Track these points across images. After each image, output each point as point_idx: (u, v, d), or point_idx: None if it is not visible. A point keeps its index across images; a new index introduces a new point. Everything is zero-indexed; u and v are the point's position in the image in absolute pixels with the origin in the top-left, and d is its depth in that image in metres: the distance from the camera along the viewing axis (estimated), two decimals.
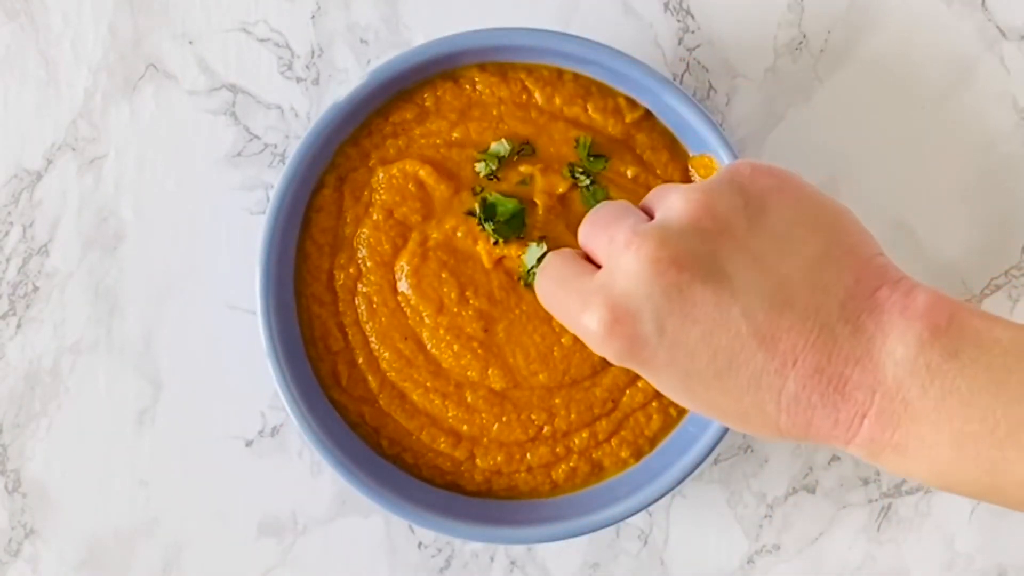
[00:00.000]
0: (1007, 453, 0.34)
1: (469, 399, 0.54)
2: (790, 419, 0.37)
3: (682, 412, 0.54)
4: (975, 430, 0.34)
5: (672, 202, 0.39)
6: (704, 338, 0.37)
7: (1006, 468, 0.34)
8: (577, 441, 0.54)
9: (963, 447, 0.34)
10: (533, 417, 0.54)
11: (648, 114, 0.54)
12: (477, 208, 0.53)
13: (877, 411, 0.36)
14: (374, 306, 0.54)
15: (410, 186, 0.53)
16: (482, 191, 0.53)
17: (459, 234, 0.53)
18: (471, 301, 0.53)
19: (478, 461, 0.54)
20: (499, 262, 0.53)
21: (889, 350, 0.36)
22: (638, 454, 0.54)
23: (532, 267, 0.52)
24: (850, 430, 0.36)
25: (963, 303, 0.37)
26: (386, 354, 0.54)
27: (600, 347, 0.39)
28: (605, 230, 0.41)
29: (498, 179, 0.53)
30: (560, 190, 0.53)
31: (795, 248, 0.38)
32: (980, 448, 0.34)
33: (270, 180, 0.57)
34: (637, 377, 0.54)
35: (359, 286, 0.54)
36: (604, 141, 0.54)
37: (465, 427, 0.54)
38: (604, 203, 0.43)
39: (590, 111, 0.54)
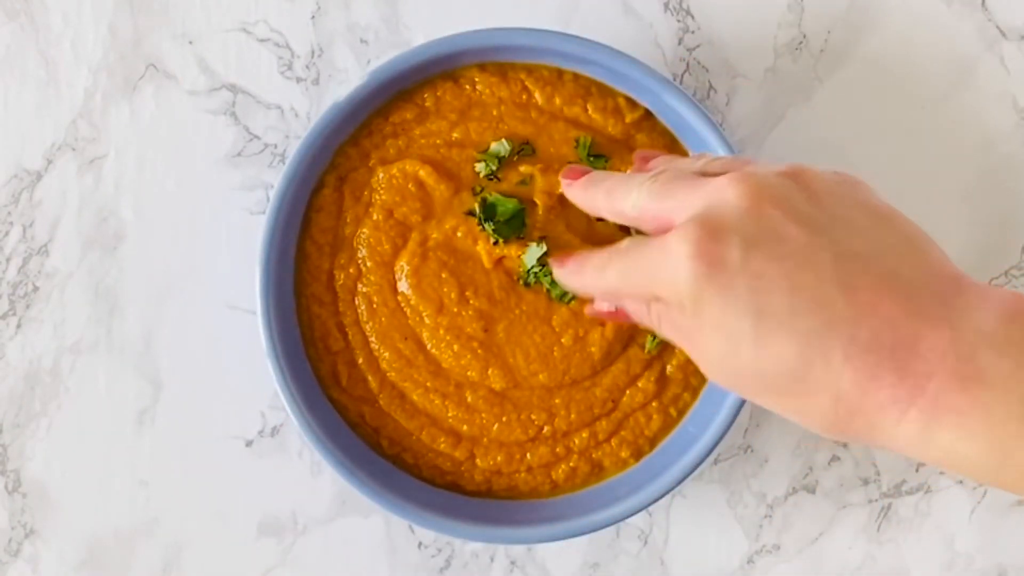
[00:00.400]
0: None
1: (469, 399, 0.54)
2: (854, 372, 0.36)
3: (682, 412, 0.54)
4: None
5: (766, 163, 0.40)
6: (787, 274, 0.36)
7: None
8: (577, 441, 0.54)
9: None
10: (533, 417, 0.54)
11: (648, 114, 0.54)
12: (477, 208, 0.53)
13: (948, 372, 0.35)
14: (374, 306, 0.54)
15: (410, 186, 0.53)
16: (482, 191, 0.53)
17: (459, 234, 0.53)
18: (471, 301, 0.53)
19: (478, 461, 0.54)
20: (499, 262, 0.53)
21: (967, 320, 0.35)
22: (638, 454, 0.54)
23: (532, 267, 0.52)
24: (915, 389, 0.35)
25: None
26: (386, 354, 0.54)
27: (679, 272, 0.38)
28: (684, 188, 0.40)
29: (498, 179, 0.53)
30: (560, 190, 0.53)
31: (886, 227, 0.38)
32: None
33: (270, 180, 0.57)
34: (637, 377, 0.54)
35: (359, 286, 0.54)
36: (604, 141, 0.54)
37: (465, 427, 0.54)
38: (657, 174, 0.43)
39: (590, 111, 0.54)
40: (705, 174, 0.41)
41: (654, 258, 0.39)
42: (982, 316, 0.36)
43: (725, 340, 0.37)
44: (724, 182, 0.39)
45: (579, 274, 0.45)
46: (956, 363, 0.35)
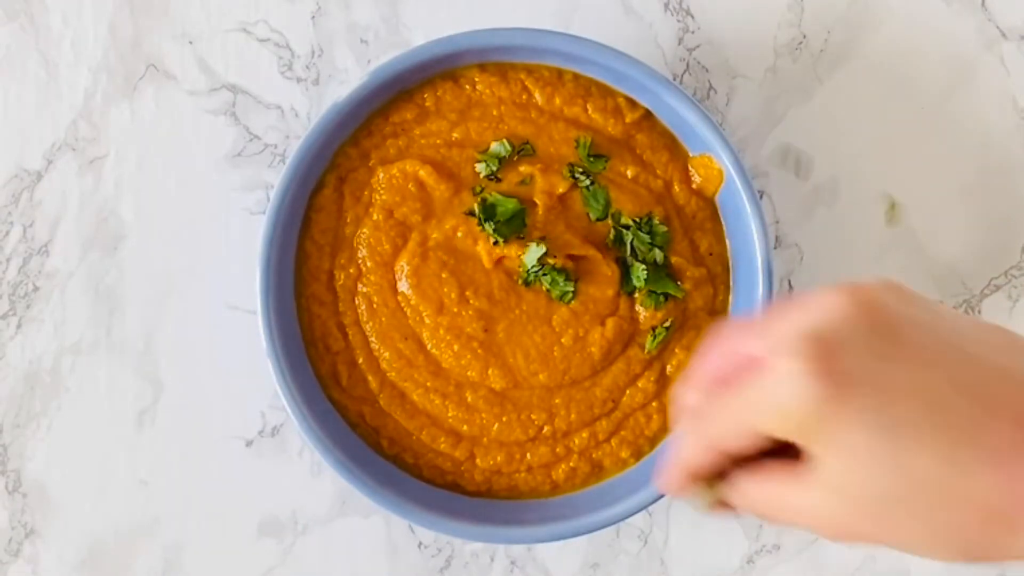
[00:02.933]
0: None
1: (469, 399, 0.54)
2: (1002, 477, 0.33)
3: None
4: None
5: (847, 283, 0.37)
6: (911, 377, 0.34)
7: None
8: (577, 441, 0.54)
9: None
10: (533, 417, 0.54)
11: (648, 114, 0.54)
12: (477, 208, 0.53)
13: None
14: (374, 306, 0.54)
15: (410, 186, 0.53)
16: (482, 191, 0.53)
17: (459, 234, 0.53)
18: (471, 301, 0.53)
19: (478, 461, 0.54)
20: (499, 262, 0.53)
21: None
22: (638, 454, 0.54)
23: (532, 267, 0.52)
24: None
25: None
26: (386, 354, 0.54)
27: (789, 394, 0.34)
28: (764, 322, 0.36)
29: (498, 179, 0.53)
30: (560, 190, 0.53)
31: (983, 331, 0.36)
32: None
33: (270, 180, 0.57)
34: (637, 377, 0.54)
35: (359, 286, 0.54)
36: (604, 141, 0.54)
37: (465, 427, 0.54)
38: (718, 328, 0.39)
39: (590, 111, 0.54)
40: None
41: (754, 395, 0.35)
42: None
43: (849, 459, 0.34)
44: (825, 295, 0.35)
45: (675, 472, 0.39)
46: None
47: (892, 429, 0.33)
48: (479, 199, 0.53)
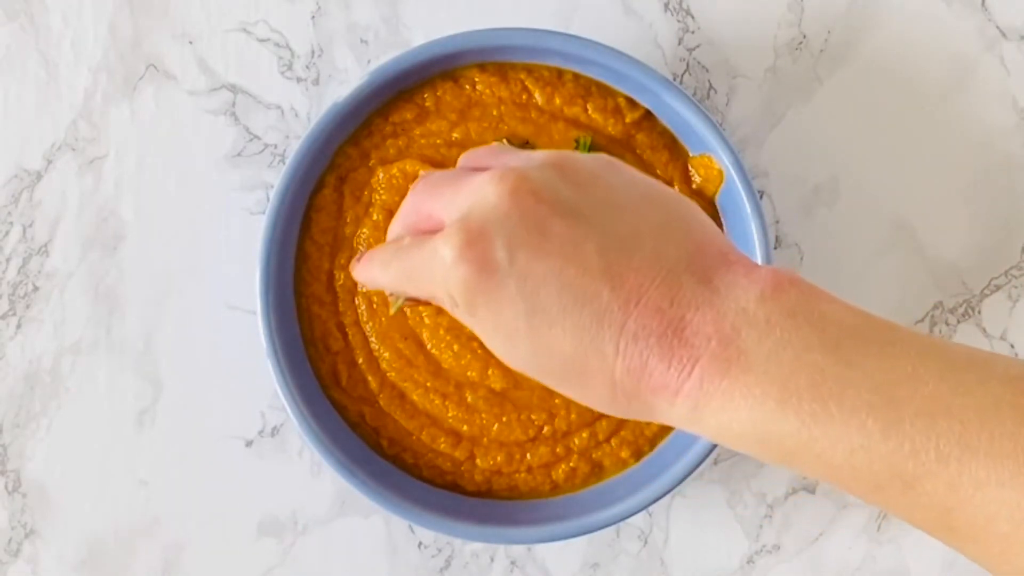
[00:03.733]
0: (829, 409, 0.35)
1: (469, 399, 0.54)
2: (626, 362, 0.37)
3: None
4: (801, 383, 0.35)
5: (533, 154, 0.40)
6: (554, 271, 0.37)
7: (826, 423, 0.35)
8: (577, 441, 0.54)
9: (787, 399, 0.35)
10: (533, 417, 0.54)
11: (648, 114, 0.54)
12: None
13: (711, 356, 0.36)
14: (374, 306, 0.54)
15: (410, 186, 0.53)
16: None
17: None
18: None
19: (478, 461, 0.54)
20: None
21: (731, 301, 0.37)
22: (638, 454, 0.54)
23: None
24: (681, 375, 0.36)
25: (810, 282, 0.38)
26: (386, 354, 0.54)
27: (449, 277, 0.38)
28: (450, 186, 0.40)
29: None
30: None
31: (650, 210, 0.39)
32: (803, 401, 0.35)
33: (270, 180, 0.57)
34: None
35: (359, 286, 0.54)
36: (604, 141, 0.54)
37: (465, 427, 0.54)
38: (432, 172, 0.43)
39: (590, 111, 0.54)
40: (475, 169, 0.41)
41: (425, 261, 0.39)
42: (744, 295, 0.36)
43: (503, 338, 0.39)
44: (484, 180, 0.39)
45: (367, 270, 0.45)
46: (719, 347, 0.36)
47: (535, 314, 0.37)
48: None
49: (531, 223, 0.37)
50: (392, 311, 0.45)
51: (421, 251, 0.40)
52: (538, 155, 0.40)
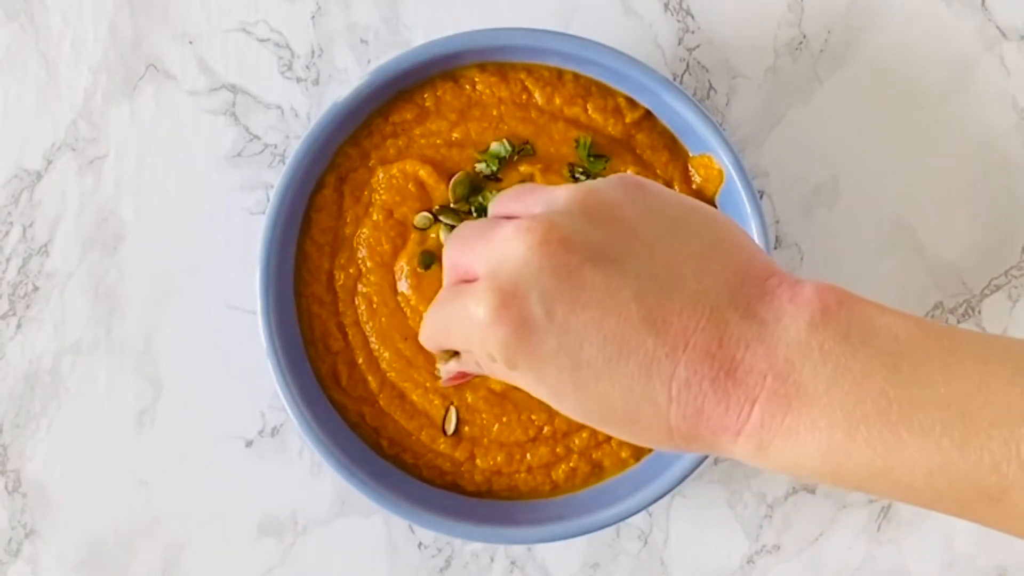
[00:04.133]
0: (900, 434, 0.33)
1: (469, 399, 0.54)
2: (680, 409, 0.36)
3: None
4: (868, 411, 0.34)
5: (556, 194, 0.39)
6: (594, 323, 0.36)
7: (899, 450, 0.34)
8: (577, 441, 0.54)
9: (855, 428, 0.34)
10: (533, 417, 0.54)
11: (648, 114, 0.54)
12: (475, 211, 0.53)
13: (768, 393, 0.35)
14: (374, 306, 0.54)
15: (410, 186, 0.53)
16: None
17: None
18: None
19: (478, 461, 0.54)
20: None
21: (780, 333, 0.35)
22: (638, 454, 0.54)
23: None
24: (740, 416, 0.35)
25: (854, 293, 0.36)
26: (386, 354, 0.54)
27: (486, 337, 0.37)
28: (480, 239, 0.39)
29: (498, 179, 0.53)
30: None
31: (683, 239, 0.37)
32: (872, 429, 0.34)
33: (270, 180, 0.57)
34: None
35: (359, 286, 0.54)
36: (604, 141, 0.54)
37: (465, 427, 0.54)
38: (464, 223, 0.41)
39: (590, 111, 0.54)
40: (505, 217, 0.40)
41: (460, 318, 0.38)
42: (793, 324, 0.35)
43: (547, 392, 0.37)
44: (512, 232, 0.37)
45: (422, 328, 0.43)
46: (775, 383, 0.35)
47: (579, 369, 0.36)
48: (477, 200, 0.53)
49: (564, 275, 0.36)
50: (442, 380, 0.44)
51: (455, 306, 0.38)
52: (562, 194, 0.38)
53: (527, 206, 0.39)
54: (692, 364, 0.35)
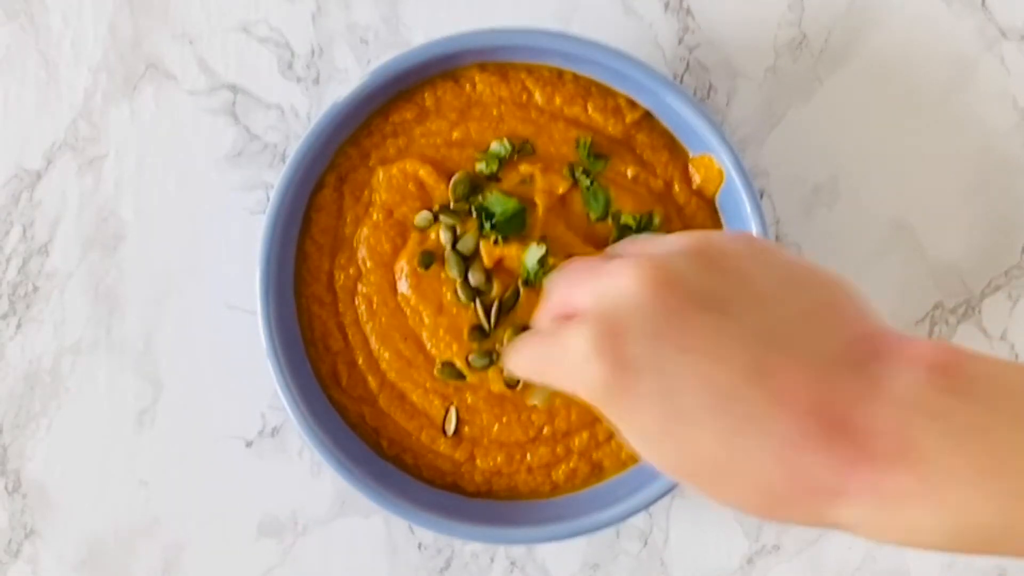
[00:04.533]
0: None
1: (469, 399, 0.54)
2: (783, 467, 0.34)
3: None
4: (989, 465, 0.32)
5: (671, 238, 0.38)
6: (696, 368, 0.34)
7: None
8: (577, 441, 0.54)
9: (977, 484, 0.32)
10: (533, 417, 0.54)
11: (648, 114, 0.54)
12: (475, 209, 0.53)
13: (883, 454, 0.33)
14: (374, 306, 0.54)
15: (410, 186, 0.53)
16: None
17: None
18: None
19: (478, 462, 0.54)
20: (499, 262, 0.53)
21: (892, 390, 0.34)
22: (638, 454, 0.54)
23: (532, 267, 0.52)
24: (852, 478, 0.33)
25: (966, 348, 0.35)
26: (386, 354, 0.54)
27: (583, 371, 0.36)
28: (589, 273, 0.38)
29: (498, 179, 0.53)
30: (560, 190, 0.53)
31: (796, 295, 0.36)
32: (997, 483, 0.32)
33: (270, 180, 0.57)
34: None
35: (359, 286, 0.54)
36: (604, 141, 0.54)
37: (465, 428, 0.54)
38: (573, 258, 0.40)
39: (590, 111, 0.54)
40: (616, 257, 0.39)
41: (558, 352, 0.37)
42: (905, 383, 0.34)
43: (638, 436, 0.36)
44: (621, 267, 0.36)
45: (511, 358, 0.42)
46: (890, 442, 0.33)
47: (677, 416, 0.35)
48: (477, 200, 0.53)
49: (669, 315, 0.35)
50: (537, 402, 0.44)
51: (555, 340, 0.37)
52: (680, 240, 0.37)
53: (642, 247, 0.38)
54: (797, 420, 0.34)
